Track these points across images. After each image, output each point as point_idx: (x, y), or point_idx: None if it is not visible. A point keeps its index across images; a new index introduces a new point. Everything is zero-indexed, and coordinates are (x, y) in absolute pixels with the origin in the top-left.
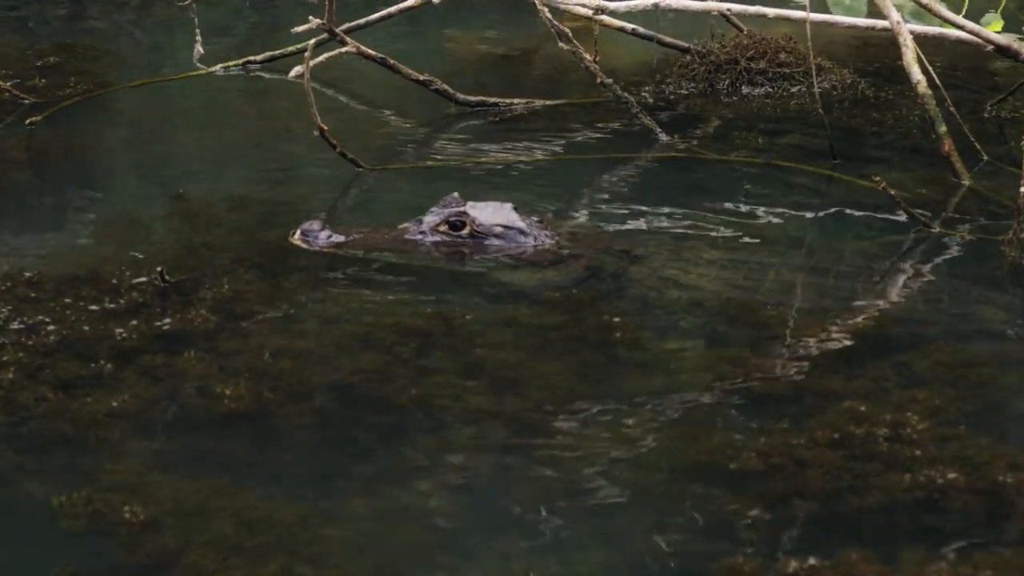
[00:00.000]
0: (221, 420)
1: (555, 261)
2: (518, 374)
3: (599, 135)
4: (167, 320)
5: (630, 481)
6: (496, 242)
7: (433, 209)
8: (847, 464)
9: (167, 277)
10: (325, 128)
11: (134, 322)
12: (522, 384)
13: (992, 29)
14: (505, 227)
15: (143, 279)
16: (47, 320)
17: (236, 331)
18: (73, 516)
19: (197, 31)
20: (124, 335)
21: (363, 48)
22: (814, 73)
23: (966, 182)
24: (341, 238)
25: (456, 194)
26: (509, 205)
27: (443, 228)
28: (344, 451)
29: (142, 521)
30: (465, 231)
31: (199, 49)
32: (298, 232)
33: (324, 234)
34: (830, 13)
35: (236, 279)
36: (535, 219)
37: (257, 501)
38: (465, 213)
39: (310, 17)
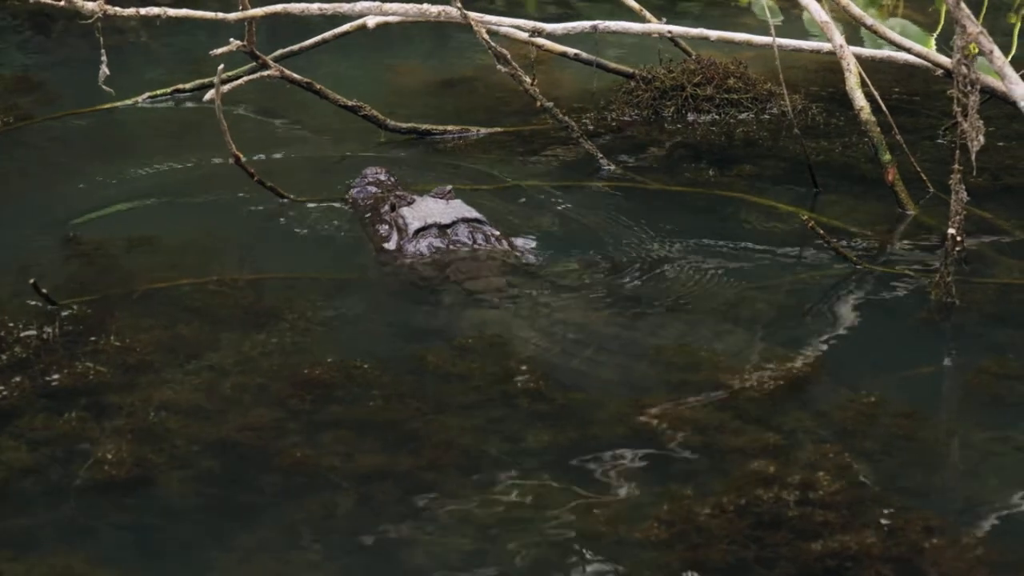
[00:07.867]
0: (97, 488)
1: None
2: (415, 429)
3: (536, 163)
4: (53, 376)
5: (525, 550)
6: (391, 231)
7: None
8: (753, 532)
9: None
10: (240, 156)
11: (16, 379)
12: (418, 441)
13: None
14: (407, 225)
15: (30, 332)
16: None
17: (124, 385)
18: None
19: (103, 51)
20: (3, 394)
21: (287, 72)
22: (787, 98)
23: (911, 212)
24: (366, 190)
25: (450, 187)
26: (469, 222)
27: (390, 202)
28: (224, 518)
29: None
30: (390, 209)
31: (104, 71)
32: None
33: (367, 180)
34: (804, 35)
35: (128, 327)
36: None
37: None
38: (405, 198)
39: (231, 39)
